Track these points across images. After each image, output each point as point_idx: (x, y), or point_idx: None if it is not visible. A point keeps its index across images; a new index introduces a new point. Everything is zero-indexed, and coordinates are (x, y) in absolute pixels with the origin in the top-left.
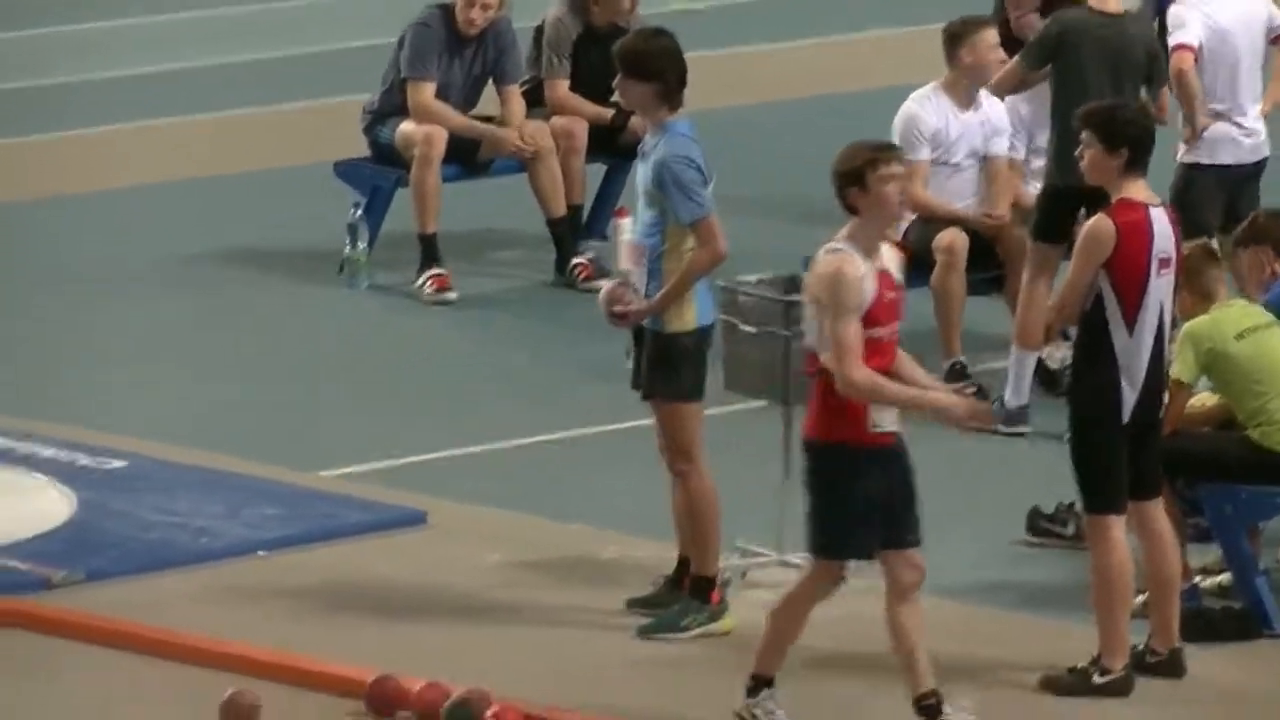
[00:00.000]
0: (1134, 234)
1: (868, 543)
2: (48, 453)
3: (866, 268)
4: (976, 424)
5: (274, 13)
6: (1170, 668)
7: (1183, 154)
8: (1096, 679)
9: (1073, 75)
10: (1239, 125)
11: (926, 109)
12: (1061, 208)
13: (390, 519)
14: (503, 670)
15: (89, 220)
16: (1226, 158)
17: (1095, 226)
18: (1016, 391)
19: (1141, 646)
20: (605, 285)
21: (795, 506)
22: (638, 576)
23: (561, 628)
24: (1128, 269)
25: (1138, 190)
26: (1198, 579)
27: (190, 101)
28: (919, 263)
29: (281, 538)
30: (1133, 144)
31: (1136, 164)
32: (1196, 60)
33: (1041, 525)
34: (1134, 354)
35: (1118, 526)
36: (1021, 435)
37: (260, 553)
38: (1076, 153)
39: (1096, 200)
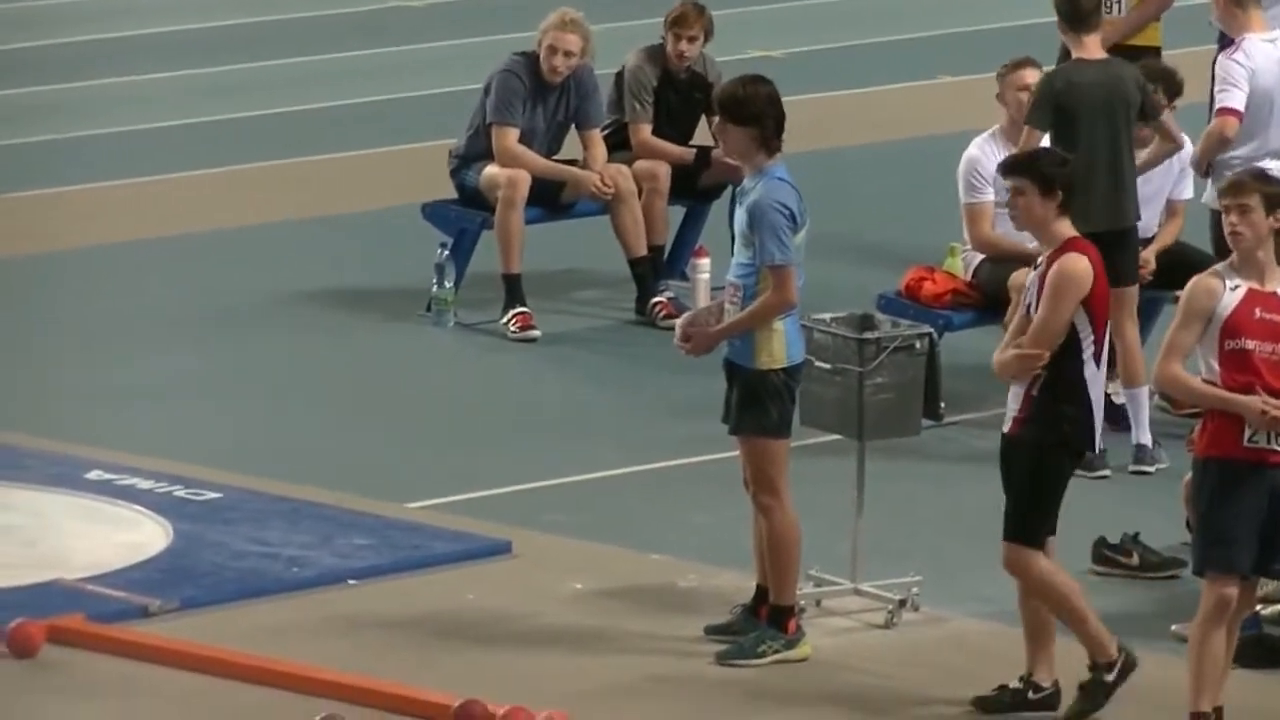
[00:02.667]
0: (1099, 268)
1: (1238, 558)
2: (145, 485)
3: (1235, 284)
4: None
5: (364, 59)
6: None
7: (1213, 200)
8: (1107, 676)
9: (1070, 124)
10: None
11: (985, 152)
12: None
13: (477, 549)
14: (584, 694)
15: (183, 261)
16: None
17: (1074, 267)
18: None
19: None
20: (690, 313)
21: (868, 537)
22: (716, 604)
23: (641, 654)
24: (1100, 303)
25: (1071, 228)
26: (1259, 607)
27: (283, 146)
28: (991, 301)
29: (371, 567)
30: (1065, 186)
31: (1068, 205)
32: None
33: (1106, 555)
34: (1098, 384)
35: (1042, 558)
36: (1105, 478)
37: (350, 581)
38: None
39: (1110, 242)
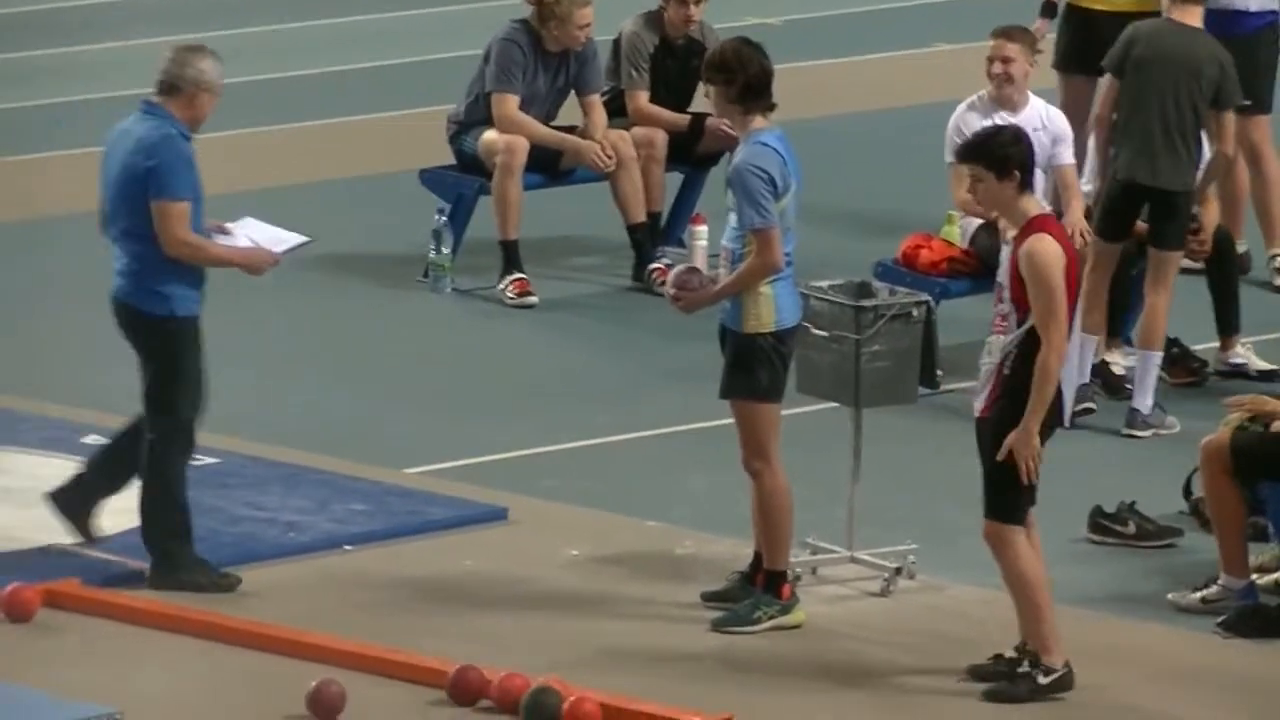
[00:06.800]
0: (1065, 243)
1: None
2: None
3: None
4: None
5: (363, 24)
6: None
7: None
8: (1041, 679)
9: (1142, 79)
10: None
11: (973, 114)
12: (1126, 205)
13: (473, 515)
14: (580, 661)
15: None
16: None
17: (1045, 251)
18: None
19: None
20: (677, 269)
21: (865, 504)
22: (712, 571)
23: (637, 620)
24: (1070, 281)
25: (1036, 205)
26: (1255, 576)
27: (281, 111)
28: (987, 269)
29: (367, 533)
30: (1021, 165)
31: (1028, 183)
32: None
33: (1102, 524)
34: (1070, 359)
35: (1023, 534)
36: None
37: (346, 547)
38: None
39: (1160, 198)
